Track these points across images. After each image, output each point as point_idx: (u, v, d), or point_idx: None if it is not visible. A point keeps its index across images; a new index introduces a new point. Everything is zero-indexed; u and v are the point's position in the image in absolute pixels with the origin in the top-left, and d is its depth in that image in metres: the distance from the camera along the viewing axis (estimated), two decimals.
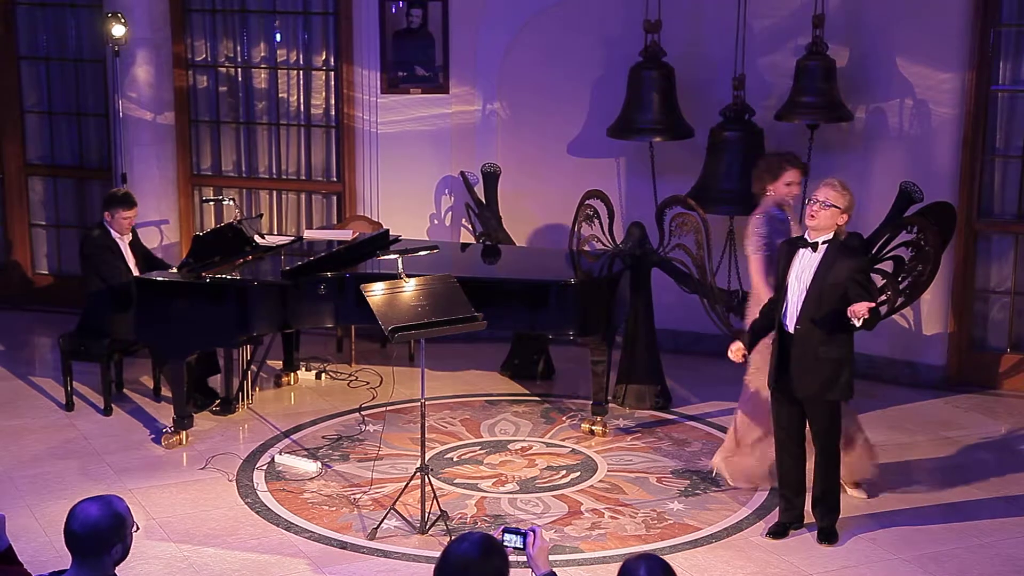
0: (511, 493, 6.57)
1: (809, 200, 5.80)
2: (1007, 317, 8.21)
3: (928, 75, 8.04)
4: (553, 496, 6.54)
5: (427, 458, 6.27)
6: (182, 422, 7.18)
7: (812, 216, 5.70)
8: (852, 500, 6.27)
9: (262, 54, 9.26)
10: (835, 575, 5.72)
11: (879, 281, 7.30)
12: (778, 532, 6.07)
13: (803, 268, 5.75)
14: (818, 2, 7.83)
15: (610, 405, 7.56)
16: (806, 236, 5.76)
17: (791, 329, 5.78)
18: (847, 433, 6.16)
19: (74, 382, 7.71)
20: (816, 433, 5.93)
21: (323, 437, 7.32)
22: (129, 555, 3.69)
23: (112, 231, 7.70)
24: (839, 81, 7.98)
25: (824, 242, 5.71)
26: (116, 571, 3.68)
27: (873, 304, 5.50)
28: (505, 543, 3.59)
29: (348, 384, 8.21)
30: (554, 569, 3.67)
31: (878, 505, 6.36)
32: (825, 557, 5.88)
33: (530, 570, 3.64)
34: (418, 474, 6.11)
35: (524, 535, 3.61)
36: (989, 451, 7.18)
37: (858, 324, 5.45)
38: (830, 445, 5.92)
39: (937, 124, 8.06)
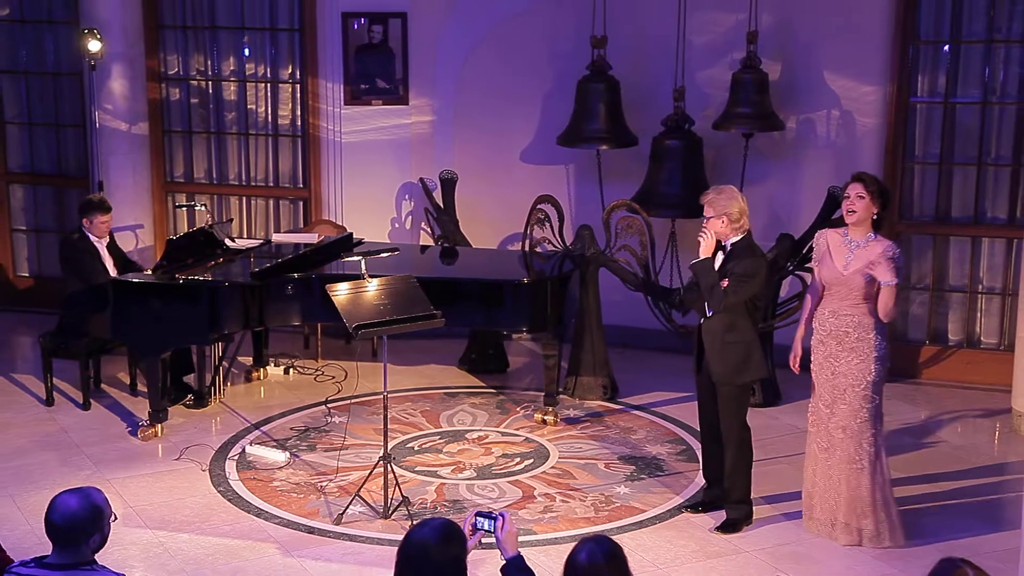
0: (469, 479, 6.56)
1: None
2: (926, 312, 8.30)
3: (853, 88, 8.11)
4: (508, 482, 6.54)
5: (390, 447, 6.26)
6: (157, 416, 7.11)
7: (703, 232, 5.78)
8: (784, 474, 6.29)
9: (231, 68, 9.19)
10: (770, 551, 5.75)
11: (808, 278, 7.36)
12: (695, 507, 6.13)
13: (718, 267, 5.79)
14: (752, 20, 7.87)
15: (561, 396, 7.57)
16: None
17: (702, 320, 5.86)
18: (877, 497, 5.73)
19: (54, 378, 7.62)
20: (723, 416, 5.87)
21: (291, 428, 7.28)
22: (107, 542, 3.65)
23: (90, 236, 7.61)
24: (771, 93, 8.03)
25: (732, 244, 5.75)
26: (95, 557, 3.64)
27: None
28: (477, 526, 3.61)
29: (315, 378, 8.17)
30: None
31: None
32: (761, 535, 5.91)
33: (499, 552, 3.64)
34: (381, 462, 6.09)
35: (494, 519, 3.62)
36: (910, 436, 7.24)
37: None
38: (735, 433, 5.86)
39: (861, 133, 8.13)
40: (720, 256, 5.79)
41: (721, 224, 5.71)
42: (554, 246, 7.89)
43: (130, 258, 8.01)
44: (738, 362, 5.77)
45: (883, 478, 5.72)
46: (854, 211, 5.58)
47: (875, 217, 5.61)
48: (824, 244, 5.73)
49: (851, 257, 5.59)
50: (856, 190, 5.60)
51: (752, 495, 6.00)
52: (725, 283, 5.67)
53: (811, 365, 5.79)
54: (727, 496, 5.96)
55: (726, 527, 5.93)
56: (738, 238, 5.73)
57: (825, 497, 5.79)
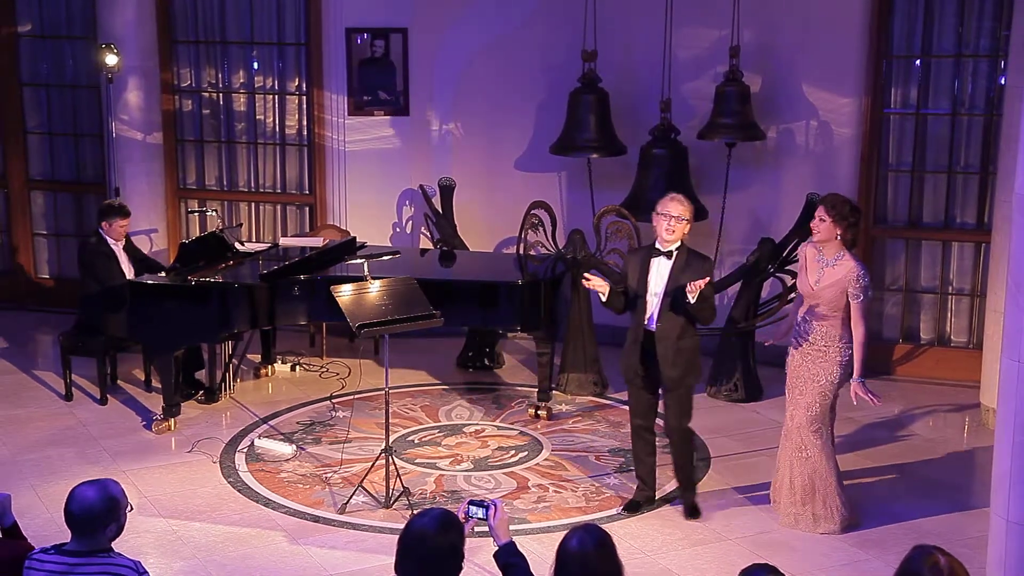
0: (466, 471, 6.55)
1: (661, 215, 5.67)
2: (900, 312, 8.31)
3: (830, 99, 8.11)
4: (503, 473, 6.53)
5: (391, 440, 6.25)
6: (171, 410, 7.10)
7: (671, 231, 5.65)
8: (764, 466, 6.29)
9: (241, 80, 9.18)
10: (752, 539, 5.75)
11: (788, 280, 7.37)
12: (632, 508, 6.05)
13: (660, 274, 5.70)
14: (735, 36, 7.87)
15: (553, 392, 7.56)
16: (658, 246, 5.71)
17: (653, 328, 5.75)
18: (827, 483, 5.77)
19: (72, 375, 7.59)
20: (674, 416, 5.89)
21: (298, 423, 7.26)
22: (124, 530, 3.64)
23: (108, 238, 7.59)
24: (753, 104, 8.03)
25: (676, 249, 5.70)
26: (112, 545, 3.63)
27: (707, 281, 5.51)
28: (470, 514, 3.59)
29: (320, 375, 8.16)
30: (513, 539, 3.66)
31: None
32: (743, 524, 5.91)
33: (492, 539, 3.63)
34: (383, 455, 6.08)
35: (487, 507, 3.60)
36: (885, 429, 7.25)
37: (692, 300, 5.52)
38: (686, 428, 5.93)
39: (838, 142, 8.14)
40: (665, 261, 5.69)
41: (683, 228, 5.68)
42: (547, 249, 7.89)
43: (147, 256, 7.99)
44: (688, 365, 5.79)
45: (827, 469, 5.75)
46: (818, 232, 5.67)
47: (839, 237, 5.62)
48: (802, 258, 5.80)
49: (822, 274, 5.67)
50: (819, 213, 5.68)
51: (732, 485, 6.03)
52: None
53: (786, 365, 5.83)
54: (686, 485, 6.00)
55: (694, 512, 5.97)
56: (679, 243, 5.71)
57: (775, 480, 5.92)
